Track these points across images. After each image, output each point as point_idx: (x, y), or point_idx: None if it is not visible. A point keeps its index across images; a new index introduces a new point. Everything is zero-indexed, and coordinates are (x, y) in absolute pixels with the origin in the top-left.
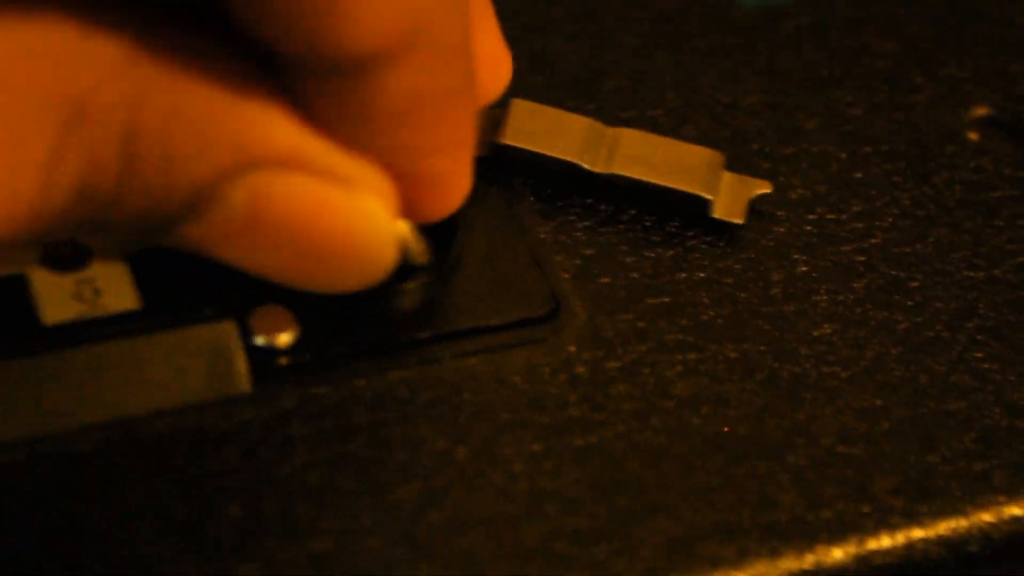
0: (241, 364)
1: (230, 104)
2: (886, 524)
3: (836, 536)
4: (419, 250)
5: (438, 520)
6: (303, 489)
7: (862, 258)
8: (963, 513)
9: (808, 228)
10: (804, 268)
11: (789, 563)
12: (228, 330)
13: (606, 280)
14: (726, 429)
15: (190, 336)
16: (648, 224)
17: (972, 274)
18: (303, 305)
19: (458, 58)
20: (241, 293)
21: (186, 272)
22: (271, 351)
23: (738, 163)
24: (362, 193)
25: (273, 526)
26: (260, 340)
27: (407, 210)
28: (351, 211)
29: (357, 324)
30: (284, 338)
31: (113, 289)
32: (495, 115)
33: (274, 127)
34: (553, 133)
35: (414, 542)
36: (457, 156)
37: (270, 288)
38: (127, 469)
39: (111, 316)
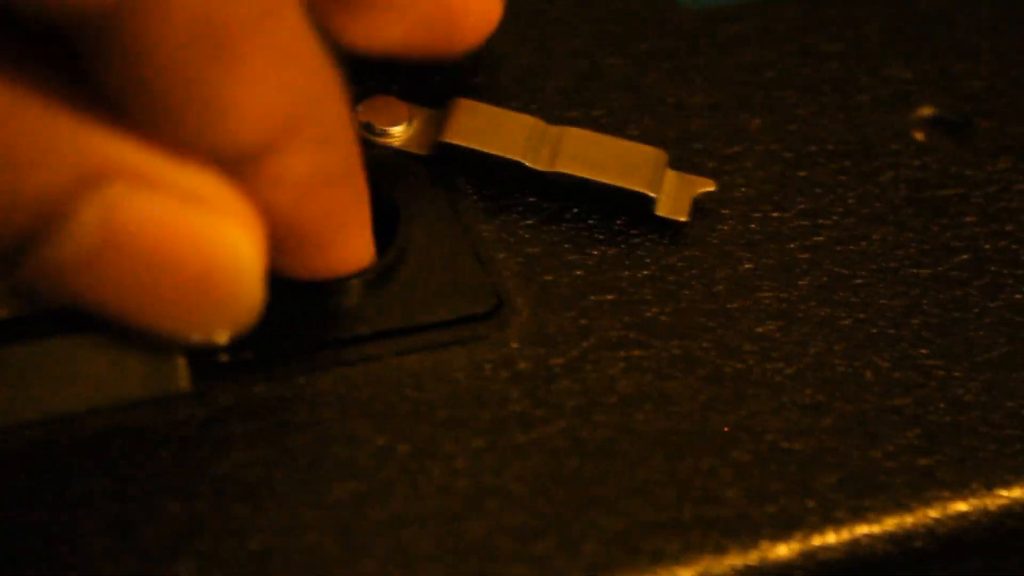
0: (180, 361)
1: (74, 113)
2: (831, 519)
3: (780, 532)
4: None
5: (378, 517)
6: (241, 486)
7: (806, 255)
8: (908, 508)
9: (752, 226)
10: (748, 265)
11: (733, 559)
12: None
13: (549, 278)
14: (726, 429)
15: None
16: (592, 222)
17: (917, 271)
18: None
19: (340, 143)
20: None
21: None
22: (210, 348)
23: (682, 162)
24: (226, 219)
25: (210, 523)
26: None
27: (301, 268)
28: (212, 235)
29: (297, 321)
30: (223, 335)
31: None
32: (438, 114)
33: (124, 139)
34: (496, 132)
35: (354, 539)
36: (349, 230)
37: None
38: (64, 467)
39: (49, 312)
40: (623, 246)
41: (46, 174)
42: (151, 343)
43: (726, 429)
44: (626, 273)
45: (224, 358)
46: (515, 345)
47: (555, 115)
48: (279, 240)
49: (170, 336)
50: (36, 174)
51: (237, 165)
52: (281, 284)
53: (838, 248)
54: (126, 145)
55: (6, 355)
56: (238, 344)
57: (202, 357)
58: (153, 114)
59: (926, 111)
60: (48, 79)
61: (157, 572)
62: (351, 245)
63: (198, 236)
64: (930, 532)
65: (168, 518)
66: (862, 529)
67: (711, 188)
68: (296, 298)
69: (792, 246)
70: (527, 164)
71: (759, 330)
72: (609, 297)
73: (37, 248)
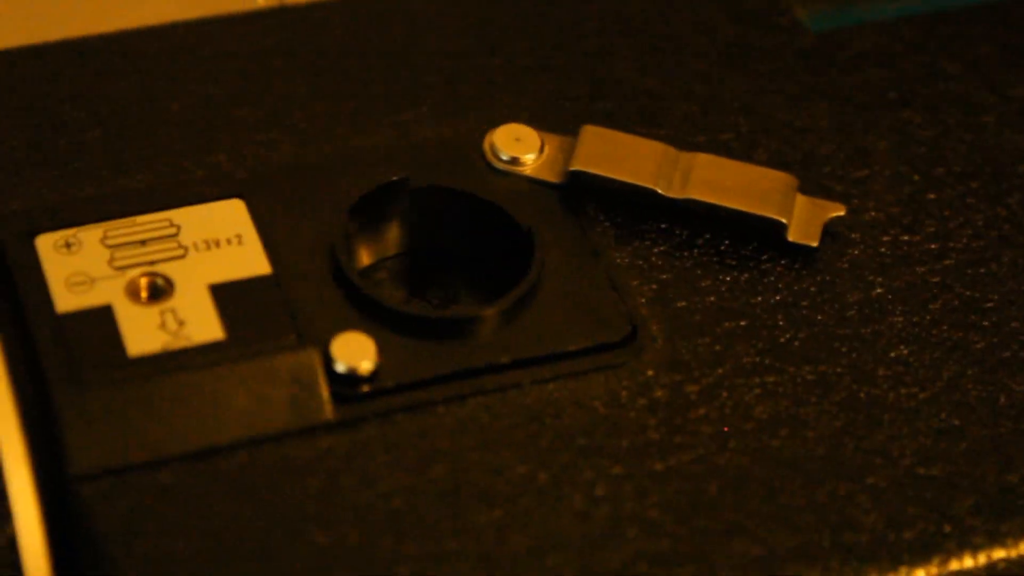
0: (323, 392)
1: None
2: (968, 544)
3: (918, 557)
4: None
5: (520, 544)
6: (385, 516)
7: (936, 279)
8: None
9: (882, 250)
10: (879, 290)
11: None
12: (310, 358)
13: (683, 304)
14: (726, 429)
15: (272, 365)
16: (723, 248)
17: None
18: (384, 332)
19: None
20: (322, 320)
21: (268, 300)
22: (353, 378)
23: (811, 186)
24: None
25: (357, 553)
26: (341, 367)
27: None
28: None
29: (437, 350)
30: (365, 365)
31: (196, 319)
32: (568, 141)
33: None
34: (627, 158)
35: (496, 567)
36: None
37: (351, 315)
38: (211, 499)
39: (195, 347)
40: (755, 272)
41: None
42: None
43: (726, 429)
44: (758, 299)
45: (366, 389)
46: (651, 372)
47: (683, 140)
48: None
49: None
50: None
51: None
52: (421, 316)
53: (968, 271)
54: None
55: (154, 389)
56: (379, 374)
57: (344, 387)
58: None
59: None
60: None
61: None
62: None
63: None
64: None
65: (314, 548)
66: (999, 554)
67: (841, 212)
68: (436, 327)
69: (922, 270)
70: (659, 191)
71: (892, 355)
72: (742, 323)
73: None
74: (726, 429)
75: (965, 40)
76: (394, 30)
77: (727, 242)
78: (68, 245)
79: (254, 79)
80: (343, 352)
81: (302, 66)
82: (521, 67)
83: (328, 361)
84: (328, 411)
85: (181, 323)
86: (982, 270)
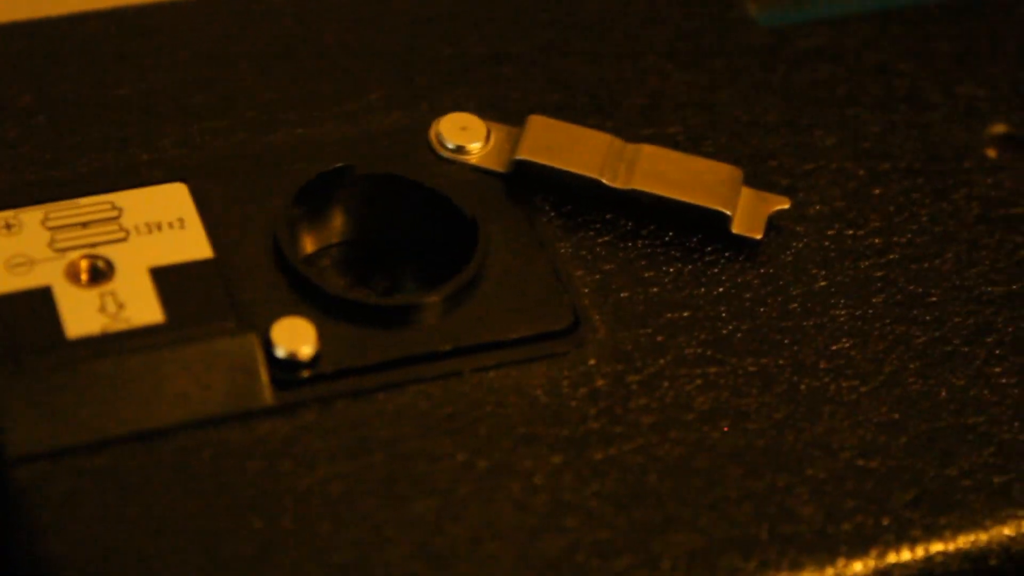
0: (263, 377)
1: None
2: (906, 537)
3: (856, 549)
4: None
5: (458, 533)
6: (323, 502)
7: (880, 273)
8: (983, 527)
9: (826, 243)
10: (823, 283)
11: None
12: (250, 342)
13: (626, 295)
14: (725, 429)
15: (212, 349)
16: (667, 239)
17: (990, 289)
18: (325, 318)
19: None
20: (263, 306)
21: (209, 284)
22: (292, 364)
23: (757, 179)
24: None
25: (293, 538)
26: (281, 352)
27: None
28: None
29: (378, 337)
30: (305, 350)
31: (136, 302)
32: (515, 131)
33: None
34: (573, 149)
35: (434, 555)
36: None
37: (292, 301)
38: (148, 483)
39: (134, 329)
40: (699, 263)
41: None
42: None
43: (725, 429)
44: (702, 290)
45: (306, 374)
46: (592, 362)
47: (630, 132)
48: None
49: None
50: None
51: None
52: (363, 302)
53: (912, 266)
54: None
55: (91, 371)
56: (319, 360)
57: (284, 373)
58: None
59: (999, 128)
60: None
61: None
62: None
63: None
64: (1005, 550)
65: (252, 533)
66: (937, 547)
67: (786, 206)
68: (377, 314)
69: (866, 264)
70: (605, 182)
71: (834, 348)
72: (685, 314)
73: None
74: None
75: (916, 38)
76: (345, 19)
77: (671, 234)
78: (8, 226)
79: (204, 66)
80: (283, 337)
81: (252, 54)
82: (473, 57)
83: (268, 346)
84: (267, 396)
85: (121, 306)
86: (926, 265)
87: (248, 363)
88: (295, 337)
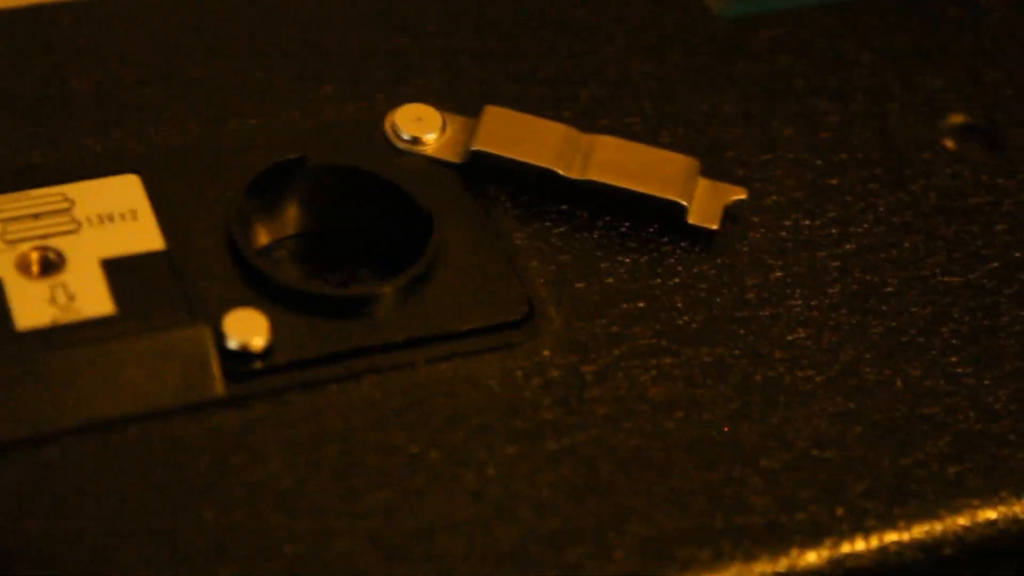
0: (215, 368)
1: None
2: (860, 527)
3: (810, 539)
4: None
5: (411, 524)
6: (275, 494)
7: (837, 263)
8: (937, 516)
9: (783, 234)
10: (779, 273)
11: (763, 566)
12: (202, 334)
13: (581, 285)
14: (725, 429)
15: (163, 340)
16: (623, 230)
17: (947, 279)
18: (278, 309)
19: None
20: (215, 297)
21: (161, 276)
22: (245, 355)
23: (714, 170)
24: None
25: (245, 530)
26: (233, 344)
27: None
28: None
29: (331, 328)
30: (258, 342)
31: (87, 293)
32: (471, 122)
33: None
34: (528, 140)
35: (387, 546)
36: None
37: (245, 292)
38: (99, 474)
39: (84, 321)
40: (654, 254)
41: None
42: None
43: (725, 429)
44: (657, 281)
45: (258, 366)
46: (547, 353)
47: (588, 123)
48: None
49: None
50: None
51: None
52: (316, 293)
53: (868, 256)
54: None
55: (41, 363)
56: (272, 352)
57: (236, 364)
58: None
59: (957, 119)
60: None
61: None
62: None
63: None
64: (959, 540)
65: (203, 525)
66: (891, 537)
67: (742, 196)
68: (331, 305)
69: (822, 254)
70: (560, 172)
71: (790, 338)
72: (640, 305)
73: None
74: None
75: (877, 30)
76: (300, 10)
77: (627, 224)
78: None
79: (157, 58)
80: (235, 328)
81: (208, 45)
82: (429, 49)
83: (220, 338)
84: (219, 388)
85: (71, 297)
86: (883, 255)
87: (200, 355)
88: (247, 329)
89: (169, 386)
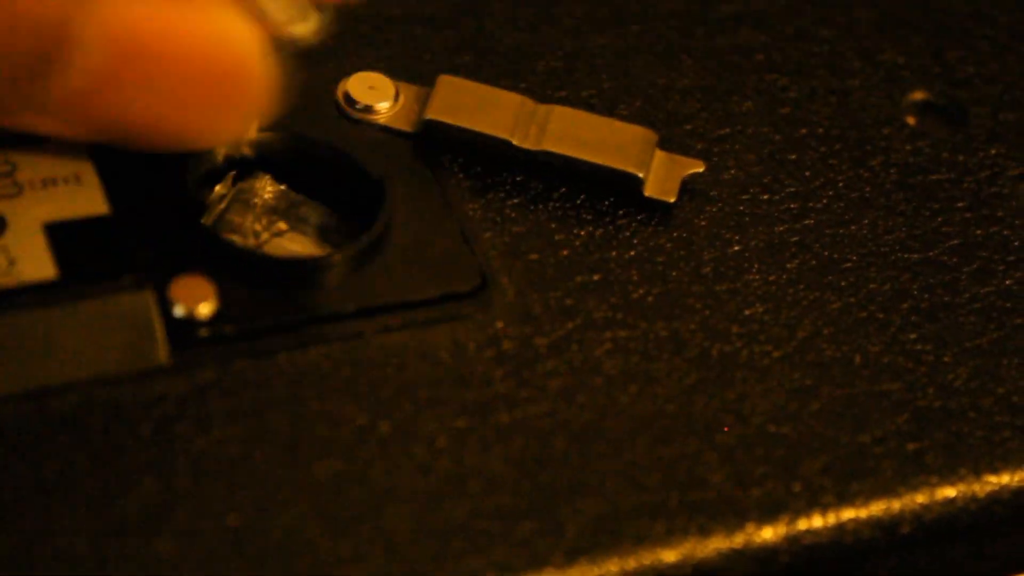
0: (159, 335)
1: None
2: (817, 504)
3: (766, 515)
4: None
5: (358, 496)
6: (220, 463)
7: (795, 238)
8: (895, 494)
9: (741, 208)
10: (736, 248)
11: (718, 542)
12: (147, 300)
13: (535, 257)
14: (726, 429)
15: (108, 306)
16: (579, 202)
17: (907, 256)
18: (226, 276)
19: None
20: (161, 262)
21: (105, 240)
22: (191, 322)
23: (672, 144)
24: (218, 9)
25: (187, 500)
26: (179, 311)
27: None
28: (213, 26)
29: (280, 296)
30: (204, 309)
31: (29, 258)
32: (425, 91)
33: None
34: (483, 109)
35: (333, 517)
36: None
37: (192, 258)
38: (39, 442)
39: (26, 285)
40: (610, 226)
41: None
42: None
43: (726, 429)
44: (613, 253)
45: (204, 333)
46: (500, 324)
47: (545, 94)
48: None
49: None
50: (30, 5)
51: None
52: (265, 260)
53: (827, 232)
54: None
55: None
56: (219, 319)
57: (182, 332)
58: None
59: (918, 96)
60: None
61: (134, 549)
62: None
63: (201, 28)
64: (917, 518)
65: (145, 495)
66: (848, 514)
67: (700, 169)
68: (280, 272)
69: (781, 229)
70: (514, 142)
71: (747, 312)
72: (596, 277)
73: (51, 81)
74: (726, 429)
75: (837, 5)
76: None
77: (583, 196)
78: None
79: None
80: (182, 295)
81: None
82: (384, 18)
83: (166, 304)
84: (163, 355)
85: (12, 262)
86: (842, 231)
87: (144, 321)
88: (194, 295)
89: (112, 353)
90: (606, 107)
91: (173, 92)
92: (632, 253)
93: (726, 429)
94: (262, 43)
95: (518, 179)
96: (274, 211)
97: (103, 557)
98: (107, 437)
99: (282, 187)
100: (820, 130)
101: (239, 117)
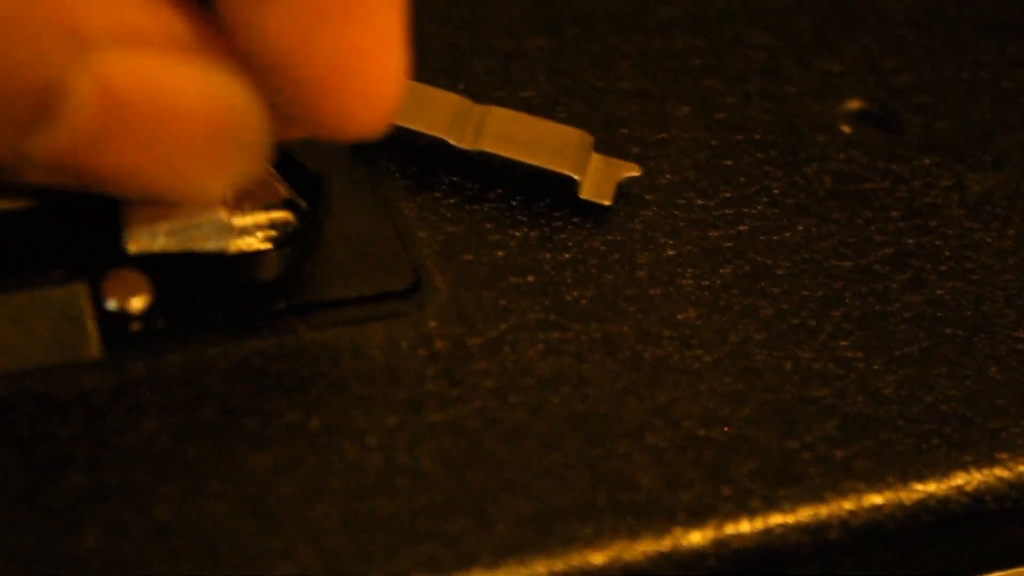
0: (91, 328)
1: None
2: (745, 508)
3: (694, 519)
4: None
5: (287, 491)
6: (149, 457)
7: (730, 244)
8: (823, 499)
9: (676, 213)
10: (671, 252)
11: (646, 545)
12: (79, 293)
13: (470, 257)
14: (726, 429)
15: (39, 298)
16: (515, 203)
17: (839, 263)
18: (158, 270)
19: None
20: (94, 255)
21: (38, 232)
22: (123, 316)
23: (608, 147)
24: (214, 66)
25: (116, 493)
26: (112, 304)
27: (316, 123)
28: (207, 83)
29: (214, 292)
30: (137, 303)
31: None
32: None
33: (104, 5)
34: (420, 108)
35: (262, 512)
36: (372, 34)
37: (124, 251)
38: None
39: None
40: (545, 228)
41: (39, 59)
42: None
43: (726, 429)
44: (547, 255)
45: (136, 327)
46: (433, 324)
47: (482, 95)
48: (283, 84)
49: (194, 194)
50: (28, 61)
51: None
52: (198, 255)
53: (761, 238)
54: (105, 6)
55: None
56: (151, 313)
57: (113, 325)
58: None
59: (854, 104)
60: None
61: (61, 542)
62: (375, 68)
63: (196, 86)
64: (844, 524)
65: (73, 488)
66: (776, 519)
67: (636, 173)
68: (214, 268)
69: (715, 234)
70: (451, 142)
71: (680, 317)
72: (530, 279)
73: (43, 133)
74: (726, 429)
75: (774, 11)
76: None
77: (519, 198)
78: None
79: None
80: (114, 289)
81: None
82: None
83: (98, 298)
84: (94, 348)
85: None
86: (775, 237)
87: (75, 314)
88: (127, 289)
89: (41, 345)
90: (544, 109)
91: (165, 147)
92: (567, 255)
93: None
94: (254, 98)
95: (454, 179)
96: None
97: (29, 549)
98: (34, 429)
99: None
100: (756, 136)
101: (231, 171)
